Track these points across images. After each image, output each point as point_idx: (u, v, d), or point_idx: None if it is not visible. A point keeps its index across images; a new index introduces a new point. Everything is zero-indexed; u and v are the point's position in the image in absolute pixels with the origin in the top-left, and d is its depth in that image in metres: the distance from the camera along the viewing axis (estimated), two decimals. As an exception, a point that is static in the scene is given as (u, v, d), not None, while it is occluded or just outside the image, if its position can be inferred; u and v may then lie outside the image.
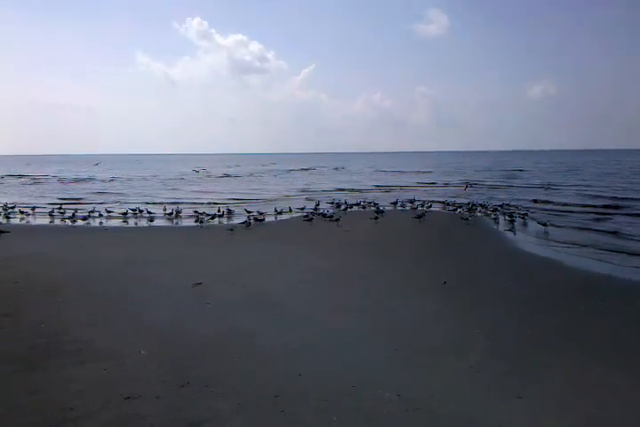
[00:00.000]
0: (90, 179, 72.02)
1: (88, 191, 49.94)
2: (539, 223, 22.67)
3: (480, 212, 27.59)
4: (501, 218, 25.50)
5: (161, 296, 11.07)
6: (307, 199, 37.74)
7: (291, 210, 28.52)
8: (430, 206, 28.72)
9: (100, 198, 41.95)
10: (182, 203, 36.28)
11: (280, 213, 28.53)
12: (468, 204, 28.93)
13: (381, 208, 27.95)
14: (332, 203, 31.58)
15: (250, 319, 9.61)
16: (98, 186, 58.52)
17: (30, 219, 28.28)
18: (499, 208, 27.81)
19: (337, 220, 23.93)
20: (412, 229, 21.89)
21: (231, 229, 21.19)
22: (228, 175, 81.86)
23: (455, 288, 12.16)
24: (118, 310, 10.11)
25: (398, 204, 31.42)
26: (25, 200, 39.66)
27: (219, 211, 27.62)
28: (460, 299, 11.27)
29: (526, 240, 19.56)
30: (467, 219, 23.68)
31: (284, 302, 10.74)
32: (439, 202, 32.47)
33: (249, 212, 27.86)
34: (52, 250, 16.95)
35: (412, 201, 31.55)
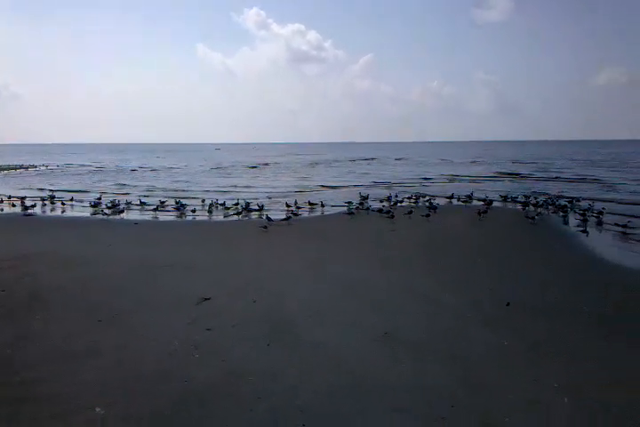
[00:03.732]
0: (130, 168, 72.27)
1: (132, 180, 49.29)
2: (617, 225, 19.50)
3: (547, 209, 24.43)
4: (572, 217, 22.30)
5: (158, 317, 9.08)
6: (360, 191, 35.27)
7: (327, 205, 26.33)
8: (491, 203, 25.77)
9: (139, 188, 41.01)
10: (230, 192, 35.00)
11: (323, 206, 26.34)
12: (536, 202, 25.62)
13: (435, 203, 25.23)
14: (387, 198, 28.88)
15: (256, 359, 7.43)
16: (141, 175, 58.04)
17: (66, 209, 27.26)
18: (568, 205, 24.59)
19: (392, 216, 21.55)
20: (468, 230, 19.12)
21: (265, 227, 19.03)
22: (285, 165, 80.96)
23: (522, 311, 9.55)
24: (98, 337, 8.16)
25: (454, 198, 28.61)
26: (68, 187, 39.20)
27: (245, 205, 25.79)
28: (529, 329, 8.67)
29: (604, 245, 16.49)
30: (532, 217, 20.59)
31: (305, 331, 8.49)
32: (501, 197, 29.26)
33: (288, 206, 25.83)
34: (65, 247, 15.40)
35: (469, 196, 28.65)
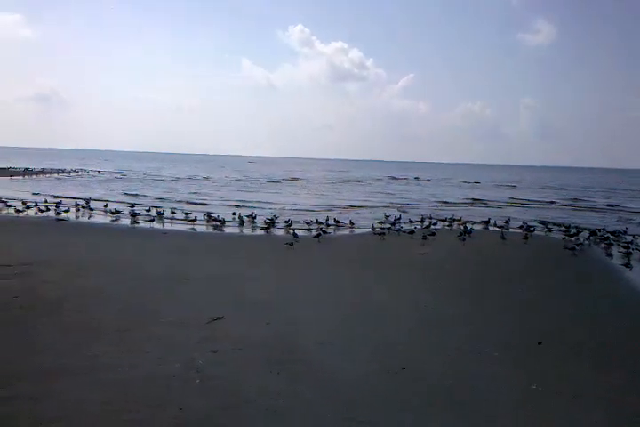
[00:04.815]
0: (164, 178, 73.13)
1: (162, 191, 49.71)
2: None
3: (589, 240, 23.18)
4: (614, 249, 21.03)
5: (165, 335, 8.59)
6: (385, 211, 34.41)
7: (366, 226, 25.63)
8: (533, 230, 24.72)
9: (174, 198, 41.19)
10: (255, 207, 34.40)
11: (352, 224, 25.73)
12: (577, 231, 24.31)
13: (470, 228, 24.32)
14: (420, 220, 28.04)
15: (261, 388, 6.82)
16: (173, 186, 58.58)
17: (97, 215, 27.44)
18: (611, 236, 23.28)
19: (423, 238, 20.84)
20: (503, 258, 18.19)
21: (291, 244, 18.50)
22: (314, 180, 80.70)
23: (555, 351, 8.67)
24: (100, 351, 7.71)
25: (490, 223, 27.58)
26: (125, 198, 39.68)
27: (272, 220, 25.40)
28: (564, 373, 7.80)
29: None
30: (572, 248, 19.42)
31: (318, 361, 7.84)
32: (540, 223, 28.06)
33: (320, 223, 25.32)
34: (86, 254, 15.29)
35: (507, 222, 27.60)
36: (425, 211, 34.51)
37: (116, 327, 8.75)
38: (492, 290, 13.12)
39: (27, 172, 69.41)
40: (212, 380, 6.95)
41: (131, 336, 8.41)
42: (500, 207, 42.64)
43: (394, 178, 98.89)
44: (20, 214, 26.01)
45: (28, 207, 27.11)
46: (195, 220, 24.89)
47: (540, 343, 9.04)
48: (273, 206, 35.70)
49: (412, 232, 22.28)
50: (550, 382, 7.42)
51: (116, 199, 37.14)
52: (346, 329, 9.32)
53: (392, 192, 59.03)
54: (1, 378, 6.68)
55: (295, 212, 32.42)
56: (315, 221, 25.64)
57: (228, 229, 24.20)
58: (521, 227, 26.05)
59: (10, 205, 27.97)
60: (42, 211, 27.13)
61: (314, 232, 22.61)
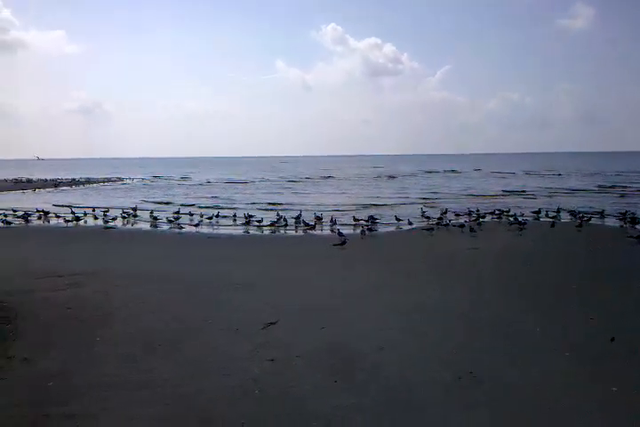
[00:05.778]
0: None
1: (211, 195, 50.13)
2: None
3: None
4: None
5: (219, 344, 8.38)
6: (431, 206, 33.56)
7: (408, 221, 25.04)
8: (589, 219, 23.66)
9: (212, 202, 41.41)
10: (288, 209, 34.16)
11: (399, 220, 25.17)
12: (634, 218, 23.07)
13: (521, 219, 23.41)
14: (468, 213, 27.24)
15: (322, 398, 6.49)
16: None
17: (142, 222, 27.76)
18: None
19: (471, 230, 20.23)
20: (560, 250, 17.34)
21: (342, 244, 18.01)
22: (361, 177, 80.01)
23: (630, 348, 7.99)
24: (153, 365, 7.55)
25: (542, 213, 26.55)
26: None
27: (316, 219, 25.16)
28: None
29: None
30: (638, 237, 18.20)
31: (378, 368, 7.43)
32: (596, 213, 26.73)
33: (356, 220, 24.95)
34: (134, 263, 15.34)
35: (558, 211, 26.57)
36: (466, 204, 33.46)
37: (169, 338, 8.58)
38: (553, 285, 12.39)
39: (74, 182, 71.44)
40: (271, 390, 6.67)
41: (185, 347, 8.21)
42: (548, 197, 41.17)
43: (431, 172, 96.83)
44: (70, 224, 26.54)
45: (78, 218, 27.66)
46: (250, 222, 25.01)
47: (612, 340, 8.40)
48: (310, 206, 34.83)
49: (461, 226, 21.55)
50: (629, 383, 6.81)
51: (158, 206, 37.60)
52: (407, 333, 8.85)
53: (429, 186, 57.53)
54: (60, 395, 6.57)
55: (332, 210, 31.78)
56: (353, 218, 25.27)
57: (269, 231, 24.07)
58: (573, 215, 25.03)
59: (59, 216, 28.58)
60: (77, 218, 27.67)
61: (358, 230, 22.23)
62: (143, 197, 46.12)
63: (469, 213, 26.62)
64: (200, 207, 34.71)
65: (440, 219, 24.73)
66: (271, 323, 9.22)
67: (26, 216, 28.69)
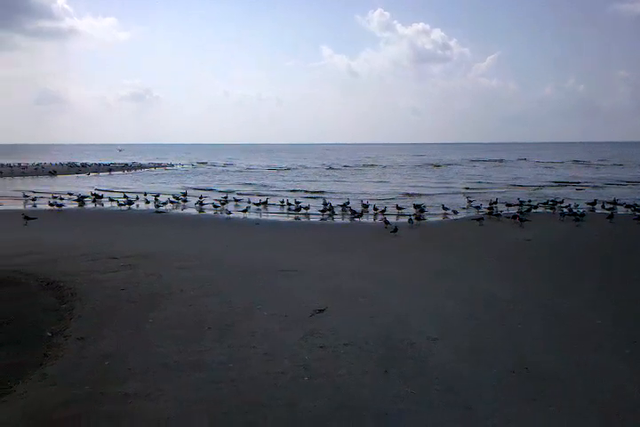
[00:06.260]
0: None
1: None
2: None
3: None
4: None
5: (269, 329, 8.37)
6: (476, 196, 32.65)
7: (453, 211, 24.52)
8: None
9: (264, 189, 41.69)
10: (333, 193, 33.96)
11: (446, 210, 24.68)
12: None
13: (577, 210, 22.57)
14: (519, 203, 26.25)
15: (372, 388, 6.39)
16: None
17: (192, 207, 28.23)
18: None
19: (521, 220, 19.71)
20: (621, 242, 16.61)
21: (394, 231, 18.01)
22: (403, 166, 78.96)
23: None
24: (205, 347, 7.62)
25: (597, 205, 25.55)
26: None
27: (363, 207, 24.96)
28: None
29: None
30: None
31: (429, 358, 7.26)
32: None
33: (399, 208, 24.59)
34: (184, 247, 15.61)
35: (614, 202, 25.47)
36: (514, 194, 32.43)
37: (220, 321, 8.65)
38: (613, 279, 11.87)
39: (126, 167, 73.39)
40: (320, 378, 6.62)
41: (236, 331, 8.26)
42: (600, 188, 39.63)
43: (476, 161, 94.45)
44: (123, 208, 27.26)
45: (131, 202, 28.38)
46: (299, 209, 25.15)
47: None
48: (352, 194, 34.35)
49: (514, 217, 20.90)
50: None
51: (204, 192, 38.18)
52: (459, 324, 8.64)
53: (474, 176, 56.26)
54: (115, 374, 6.72)
55: (376, 199, 31.37)
56: (396, 207, 24.91)
57: (316, 218, 24.04)
58: (628, 207, 24.02)
59: (112, 200, 29.43)
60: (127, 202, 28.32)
61: (403, 219, 21.95)
62: (191, 183, 47.02)
63: (520, 204, 25.83)
64: (241, 194, 34.89)
65: (490, 209, 24.11)
66: (320, 310, 9.17)
67: (81, 199, 29.66)
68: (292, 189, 40.27)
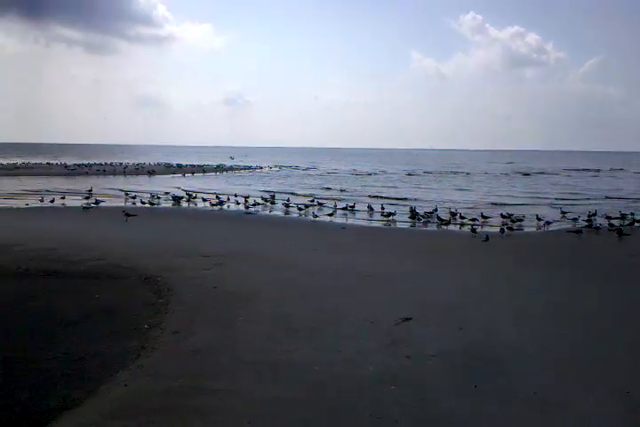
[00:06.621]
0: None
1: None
2: None
3: None
4: None
5: (354, 334, 8.34)
6: (570, 207, 30.60)
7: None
8: None
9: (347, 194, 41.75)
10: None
11: (540, 220, 23.48)
12: None
13: None
14: (621, 216, 24.30)
15: (462, 405, 6.15)
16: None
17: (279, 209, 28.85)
18: None
19: (621, 234, 18.45)
20: None
21: (486, 239, 17.57)
22: (489, 173, 76.32)
23: None
24: (292, 347, 7.72)
25: None
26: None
27: (452, 214, 24.26)
28: None
29: None
30: None
31: (521, 377, 6.89)
32: None
33: (504, 217, 23.65)
34: (271, 248, 15.91)
35: None
36: (613, 207, 30.30)
37: (306, 323, 8.73)
38: None
39: (218, 168, 76.33)
40: (406, 388, 6.48)
41: (321, 334, 8.31)
42: None
43: (569, 169, 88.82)
44: (215, 208, 28.37)
45: (222, 202, 29.48)
46: (388, 215, 24.92)
47: None
48: (435, 202, 33.27)
49: (617, 231, 19.43)
50: None
51: (301, 193, 38.86)
52: (557, 343, 8.15)
53: (566, 185, 52.82)
54: (206, 369, 6.96)
55: (462, 207, 30.16)
56: (481, 215, 23.97)
57: (402, 225, 23.77)
58: None
59: (205, 200, 30.74)
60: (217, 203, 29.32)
61: (491, 229, 21.20)
62: (275, 185, 48.13)
63: (623, 217, 24.10)
64: (322, 198, 34.67)
65: (589, 221, 22.68)
66: (407, 318, 9.01)
67: (176, 199, 31.19)
68: (373, 194, 39.75)
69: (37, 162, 75.10)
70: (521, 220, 23.37)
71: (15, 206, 27.53)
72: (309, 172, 76.80)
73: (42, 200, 29.03)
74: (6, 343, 7.74)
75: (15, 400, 6.02)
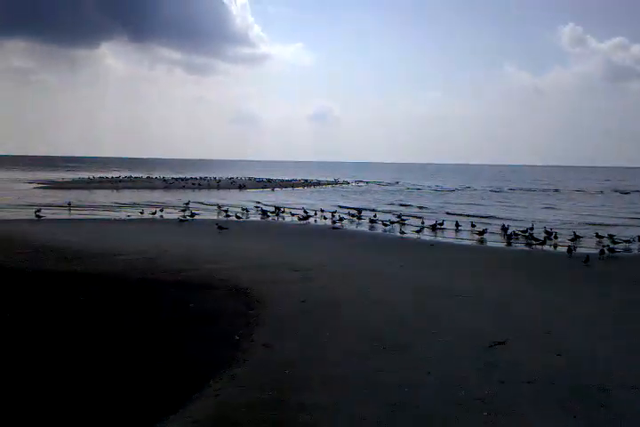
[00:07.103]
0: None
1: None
2: None
3: None
4: None
5: (442, 355, 8.16)
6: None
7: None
8: None
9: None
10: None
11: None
12: None
13: None
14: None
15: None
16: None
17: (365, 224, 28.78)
18: None
19: None
20: None
21: (585, 261, 16.62)
22: (584, 190, 71.69)
23: None
24: (381, 366, 7.65)
25: None
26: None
27: (547, 234, 22.96)
28: None
29: None
30: None
31: (626, 406, 6.41)
32: None
33: (601, 237, 22.14)
34: (356, 262, 15.98)
35: None
36: None
37: (394, 341, 8.66)
38: None
39: (306, 183, 77.67)
40: (500, 415, 6.22)
41: (410, 353, 8.19)
42: None
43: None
44: (302, 222, 28.87)
45: (309, 217, 29.94)
46: (481, 233, 24.25)
47: None
48: (525, 221, 30.33)
49: None
50: None
51: (381, 209, 38.52)
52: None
53: None
54: (295, 383, 7.06)
55: (555, 226, 28.12)
56: (574, 234, 22.29)
57: (493, 244, 22.89)
58: None
59: (294, 214, 31.40)
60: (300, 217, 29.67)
61: (589, 250, 19.83)
62: (354, 200, 47.97)
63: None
64: (404, 215, 33.44)
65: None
66: (499, 342, 8.66)
67: (265, 213, 32.03)
68: (452, 211, 37.70)
69: (138, 176, 79.91)
70: (627, 241, 21.68)
71: (117, 218, 29.48)
72: (388, 187, 75.81)
73: (142, 213, 30.89)
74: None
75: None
